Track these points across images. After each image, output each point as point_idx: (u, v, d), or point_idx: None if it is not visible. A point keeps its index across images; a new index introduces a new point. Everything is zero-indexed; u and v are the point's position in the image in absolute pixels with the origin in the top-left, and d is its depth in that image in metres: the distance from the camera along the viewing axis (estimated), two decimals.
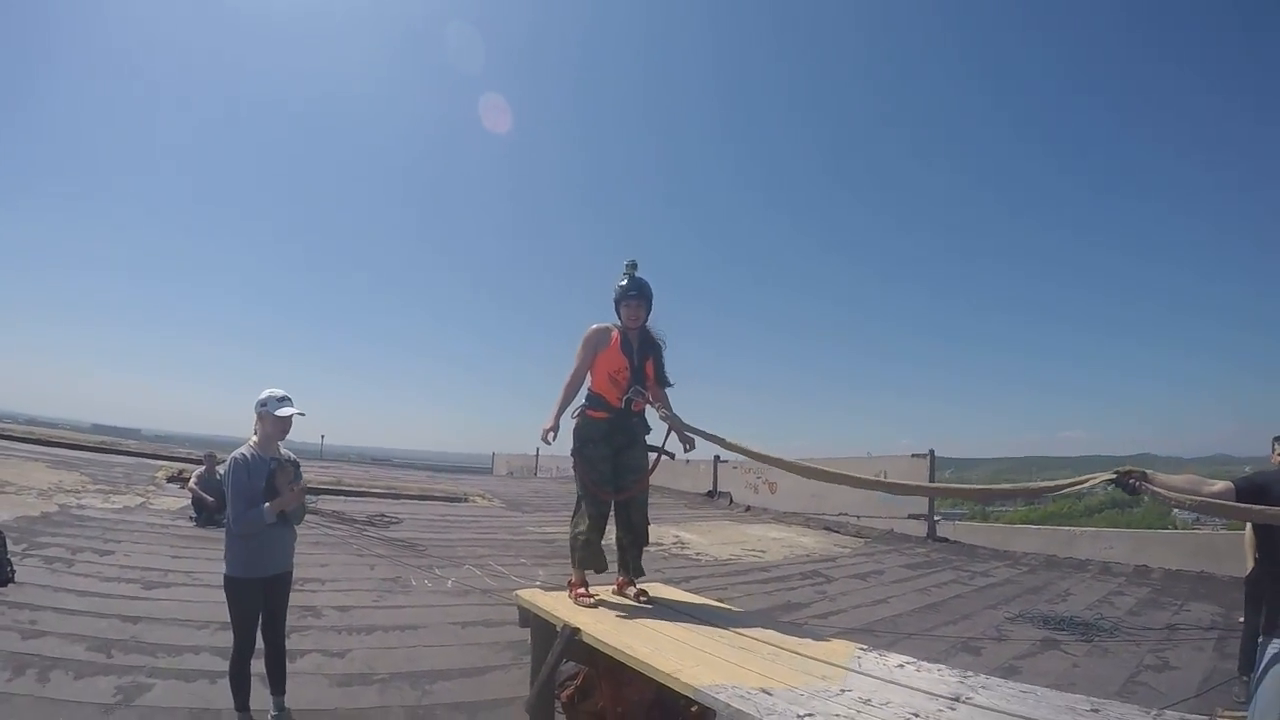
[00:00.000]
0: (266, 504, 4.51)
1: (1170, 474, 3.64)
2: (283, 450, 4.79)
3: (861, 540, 15.17)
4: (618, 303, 5.30)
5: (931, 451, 16.83)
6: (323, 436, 51.35)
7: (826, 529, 16.32)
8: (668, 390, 5.44)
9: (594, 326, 5.30)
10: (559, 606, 4.74)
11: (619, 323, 5.35)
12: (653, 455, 5.42)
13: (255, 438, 4.70)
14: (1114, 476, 3.51)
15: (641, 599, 5.11)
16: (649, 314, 5.35)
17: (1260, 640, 3.56)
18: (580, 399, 5.32)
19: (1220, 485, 3.55)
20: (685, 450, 5.44)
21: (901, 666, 3.64)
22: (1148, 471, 3.46)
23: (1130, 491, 3.46)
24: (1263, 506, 3.36)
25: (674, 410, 5.33)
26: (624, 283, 5.29)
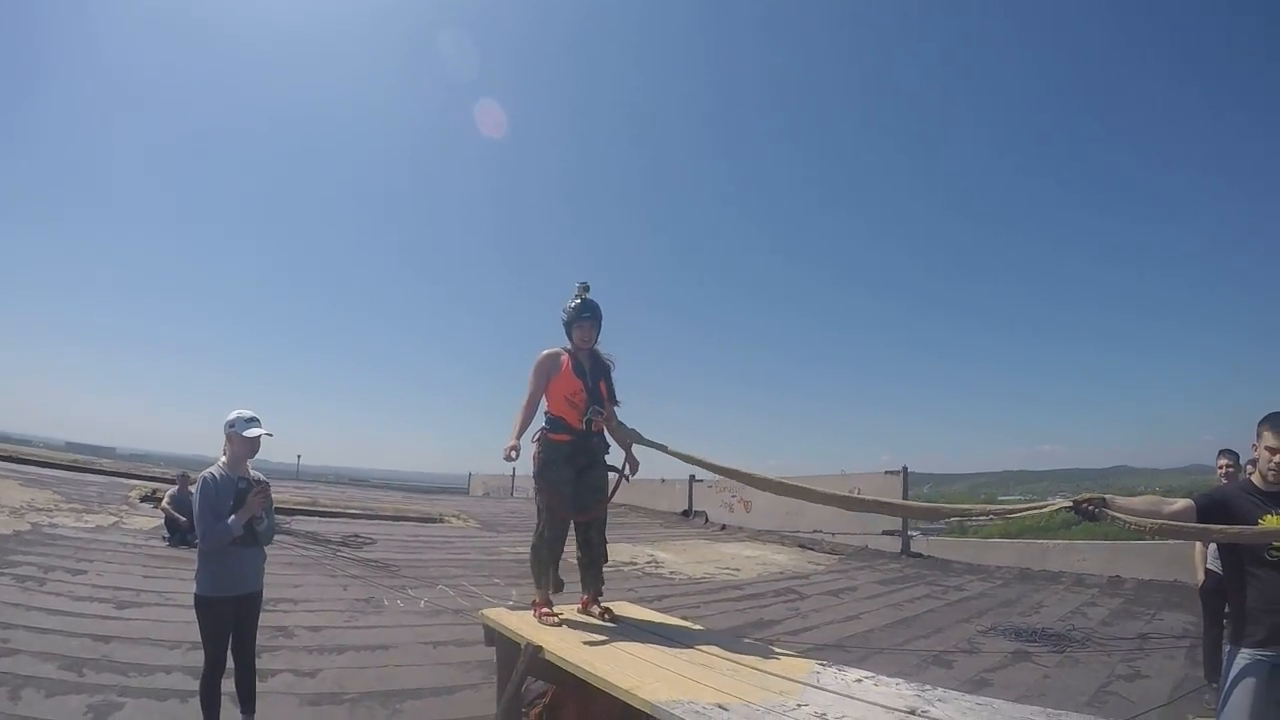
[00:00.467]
0: (232, 516, 4.52)
1: (1130, 495, 3.71)
2: (252, 471, 4.81)
3: (835, 557, 15.22)
4: (569, 324, 5.36)
5: (905, 468, 16.91)
6: (299, 457, 50.98)
7: (801, 546, 16.36)
8: (616, 408, 5.47)
9: (544, 353, 5.34)
10: (523, 626, 4.76)
11: (568, 345, 5.42)
12: (613, 476, 5.45)
13: (224, 458, 4.72)
14: (1070, 505, 3.58)
15: (606, 617, 5.14)
16: (599, 335, 5.43)
17: (1227, 650, 3.62)
18: (540, 422, 5.34)
19: (1180, 504, 3.62)
20: (628, 477, 5.49)
21: (860, 681, 3.67)
22: (1106, 496, 3.53)
23: (1088, 518, 3.53)
24: (1222, 526, 3.43)
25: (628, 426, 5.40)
26: (576, 303, 5.35)
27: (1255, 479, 3.61)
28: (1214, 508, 3.57)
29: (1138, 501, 3.66)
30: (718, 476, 23.63)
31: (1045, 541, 15.67)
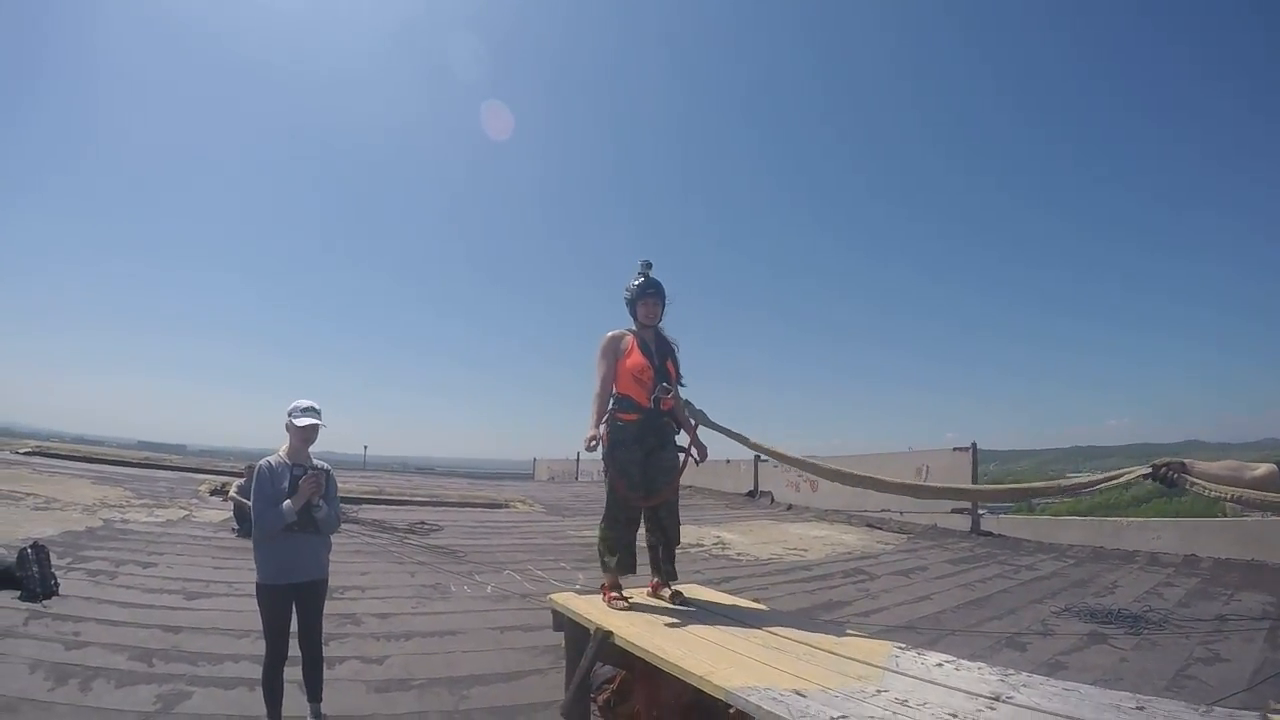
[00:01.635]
0: (286, 502, 4.55)
1: (1212, 461, 3.54)
2: (316, 461, 4.83)
3: (904, 536, 14.99)
4: (634, 301, 5.38)
5: (974, 444, 16.60)
6: (365, 447, 51.88)
7: (869, 526, 16.16)
8: (681, 388, 5.46)
9: (609, 334, 5.37)
10: (592, 610, 4.72)
11: (632, 326, 5.43)
12: (682, 456, 5.41)
13: (284, 447, 4.75)
14: (1150, 471, 3.44)
15: (676, 601, 5.09)
16: (664, 312, 5.43)
17: None
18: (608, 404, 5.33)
19: (1264, 469, 3.45)
20: (697, 464, 5.48)
21: (940, 665, 3.56)
22: (1185, 461, 3.38)
23: (1169, 485, 3.39)
24: None
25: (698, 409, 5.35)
26: (639, 281, 5.38)
27: None
28: None
29: (1217, 466, 3.51)
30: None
31: (1118, 519, 15.26)
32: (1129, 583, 10.36)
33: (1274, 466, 3.44)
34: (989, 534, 15.37)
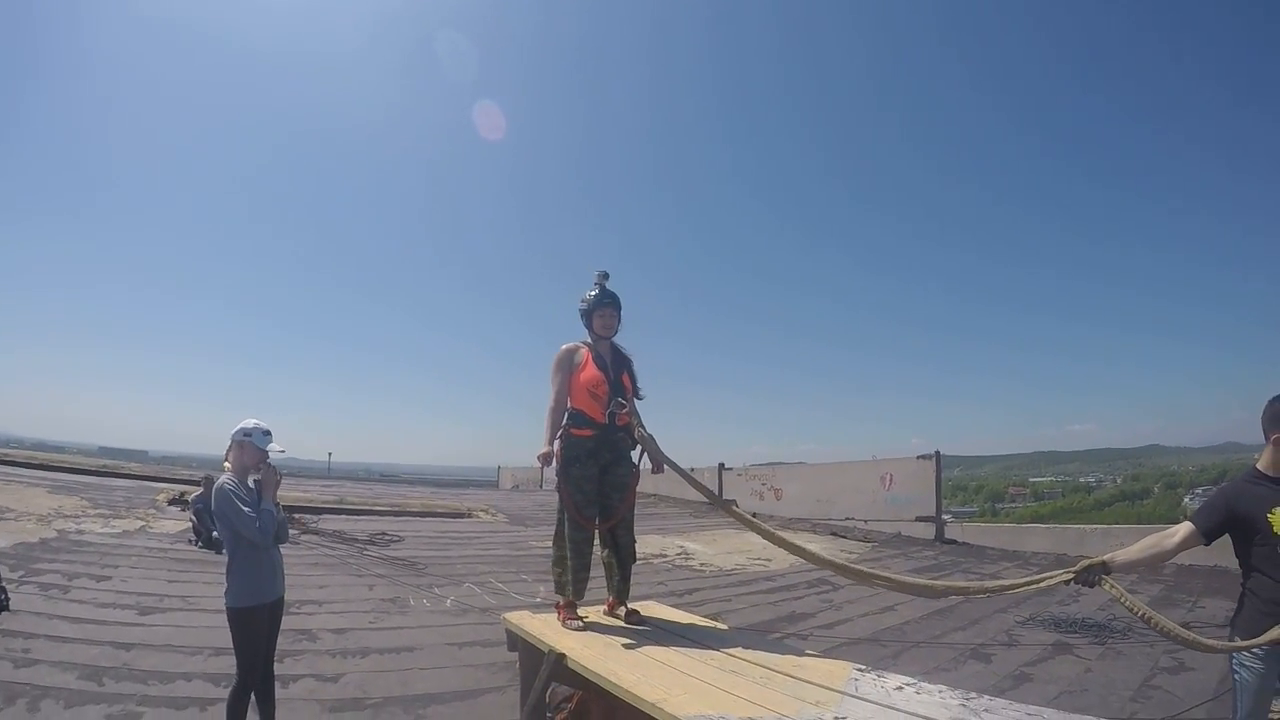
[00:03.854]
0: (264, 503, 4.45)
1: (1132, 547, 3.60)
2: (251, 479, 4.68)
3: (868, 545, 15.01)
4: (589, 312, 5.26)
5: (937, 452, 16.71)
6: (329, 455, 51.35)
7: (833, 534, 16.15)
8: (640, 402, 5.37)
9: (563, 347, 5.25)
10: (546, 630, 4.59)
11: (587, 338, 5.32)
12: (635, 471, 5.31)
13: (228, 464, 4.58)
14: (1072, 576, 3.54)
15: (632, 619, 4.98)
16: (620, 324, 5.33)
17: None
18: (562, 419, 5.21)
19: (1181, 534, 3.50)
20: (653, 473, 5.39)
21: (900, 689, 3.47)
22: (1106, 560, 3.47)
23: (1090, 586, 3.50)
24: (1211, 642, 3.37)
25: (647, 428, 5.25)
26: (596, 292, 5.26)
27: (1263, 464, 3.40)
28: (1218, 521, 3.45)
29: (1137, 549, 3.60)
30: (748, 465, 23.48)
31: (1082, 526, 15.38)
32: (1093, 591, 10.32)
33: (1191, 526, 3.49)
34: (953, 541, 15.44)
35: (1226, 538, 3.47)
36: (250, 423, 4.59)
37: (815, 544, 14.78)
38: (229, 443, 4.58)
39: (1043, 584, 3.74)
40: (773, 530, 5.23)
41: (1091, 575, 3.46)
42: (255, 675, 4.43)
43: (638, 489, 5.33)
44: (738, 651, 4.17)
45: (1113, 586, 3.44)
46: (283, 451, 4.65)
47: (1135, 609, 3.42)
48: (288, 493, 4.72)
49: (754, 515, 18.06)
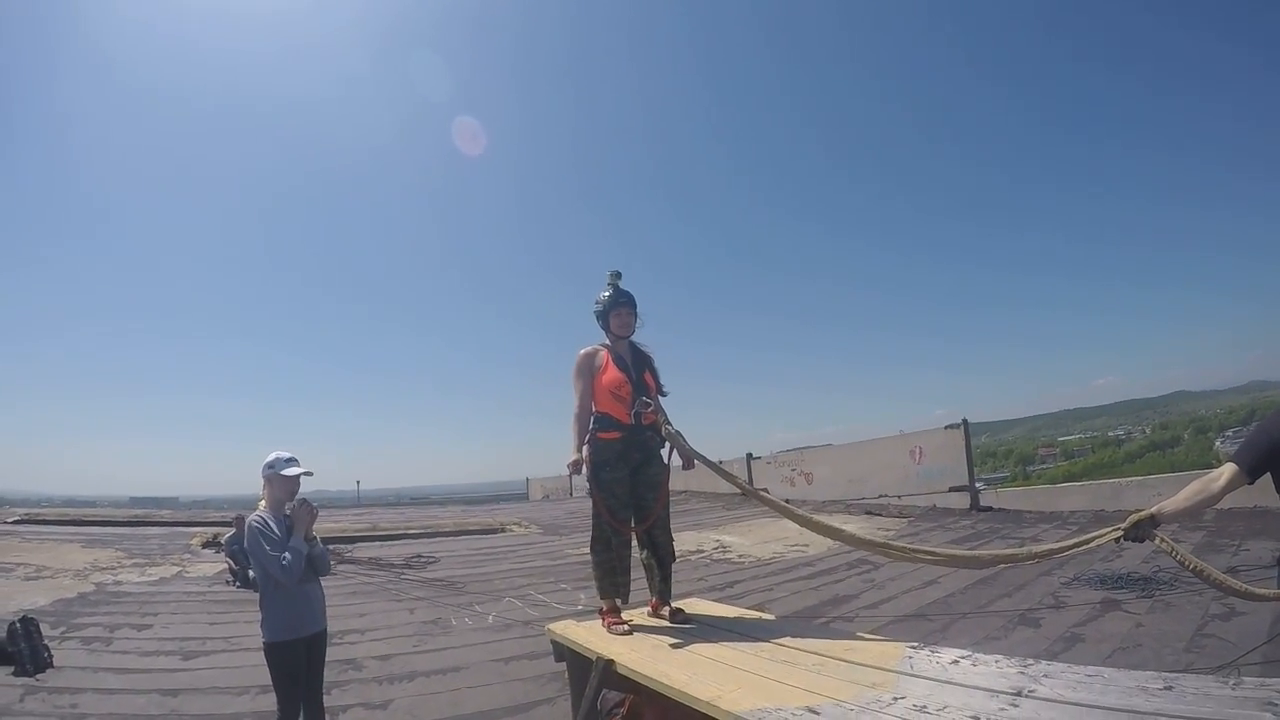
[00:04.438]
0: (293, 539, 4.41)
1: (1178, 495, 3.49)
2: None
3: (905, 520, 14.88)
4: (605, 313, 5.21)
5: (965, 421, 16.58)
6: (358, 482, 51.60)
7: (868, 513, 16.04)
8: (664, 399, 5.28)
9: (582, 352, 5.19)
10: (592, 638, 4.54)
11: (605, 340, 5.27)
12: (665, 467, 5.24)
13: (264, 502, 4.59)
14: (1122, 533, 3.43)
15: (677, 619, 4.92)
16: (638, 322, 5.28)
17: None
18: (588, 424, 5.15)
19: (1226, 475, 3.38)
20: (684, 469, 5.33)
21: (956, 662, 3.41)
22: (1155, 512, 3.37)
23: (1140, 542, 3.39)
24: (1245, 587, 3.26)
25: (675, 425, 5.19)
26: (609, 293, 5.22)
27: None
28: (1261, 457, 3.33)
29: (1183, 496, 3.45)
30: (775, 452, 23.38)
31: (1117, 480, 15.22)
32: (1135, 544, 10.24)
33: (1234, 467, 3.37)
34: (989, 509, 15.30)
35: (1268, 477, 3.37)
36: (271, 455, 4.61)
37: (852, 525, 14.69)
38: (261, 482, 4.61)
39: (1092, 544, 3.65)
40: (809, 515, 5.16)
41: (1142, 530, 3.37)
42: (294, 709, 4.42)
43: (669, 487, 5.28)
44: (787, 641, 4.11)
45: (1164, 540, 3.34)
46: (310, 473, 4.65)
47: (1187, 562, 3.33)
48: (320, 524, 4.69)
49: (787, 501, 18.02)
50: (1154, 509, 3.42)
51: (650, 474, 5.11)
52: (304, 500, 4.58)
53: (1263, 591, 3.20)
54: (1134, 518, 3.43)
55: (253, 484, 4.68)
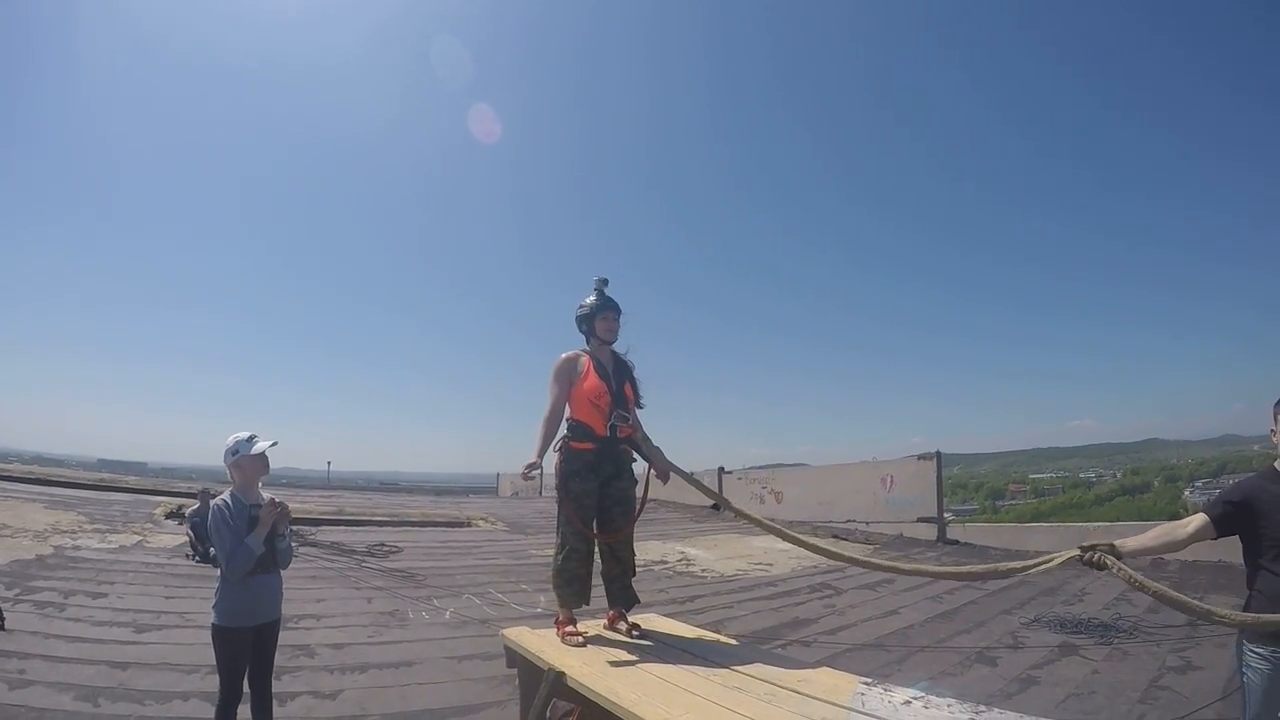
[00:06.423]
0: (250, 535, 4.31)
1: (1144, 532, 3.53)
2: (264, 495, 4.57)
3: (871, 547, 14.92)
4: (590, 317, 5.12)
5: (938, 453, 16.65)
6: (329, 463, 51.17)
7: (834, 537, 16.03)
8: (640, 412, 5.20)
9: (563, 356, 5.09)
10: (546, 647, 4.47)
11: (586, 346, 5.19)
12: (639, 486, 5.16)
13: (233, 484, 4.50)
14: (1078, 554, 3.46)
15: (634, 634, 4.87)
16: (619, 329, 5.21)
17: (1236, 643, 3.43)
18: (561, 430, 5.05)
19: (1195, 524, 3.42)
20: (663, 484, 5.25)
21: (909, 703, 3.37)
22: (1115, 543, 3.39)
23: (1096, 568, 3.40)
24: (1225, 613, 3.23)
25: (650, 436, 5.13)
26: (594, 299, 5.14)
27: None
28: (1232, 514, 3.35)
29: (1149, 535, 3.51)
30: (747, 468, 23.38)
31: (1084, 524, 15.32)
32: (1097, 589, 10.31)
33: (1205, 518, 3.41)
34: (955, 542, 15.37)
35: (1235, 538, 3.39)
36: (230, 440, 4.48)
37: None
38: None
39: (1053, 562, 3.66)
40: (798, 535, 5.13)
41: (1098, 554, 3.38)
42: (237, 693, 4.34)
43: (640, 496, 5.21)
44: (742, 667, 4.06)
45: (1120, 569, 3.34)
46: (275, 443, 4.54)
47: (1146, 586, 3.33)
48: (287, 502, 4.59)
49: None
50: (1117, 541, 3.44)
51: (619, 488, 5.03)
52: (277, 502, 4.48)
53: (1223, 612, 3.20)
54: (1093, 541, 3.45)
55: (218, 454, 4.54)
